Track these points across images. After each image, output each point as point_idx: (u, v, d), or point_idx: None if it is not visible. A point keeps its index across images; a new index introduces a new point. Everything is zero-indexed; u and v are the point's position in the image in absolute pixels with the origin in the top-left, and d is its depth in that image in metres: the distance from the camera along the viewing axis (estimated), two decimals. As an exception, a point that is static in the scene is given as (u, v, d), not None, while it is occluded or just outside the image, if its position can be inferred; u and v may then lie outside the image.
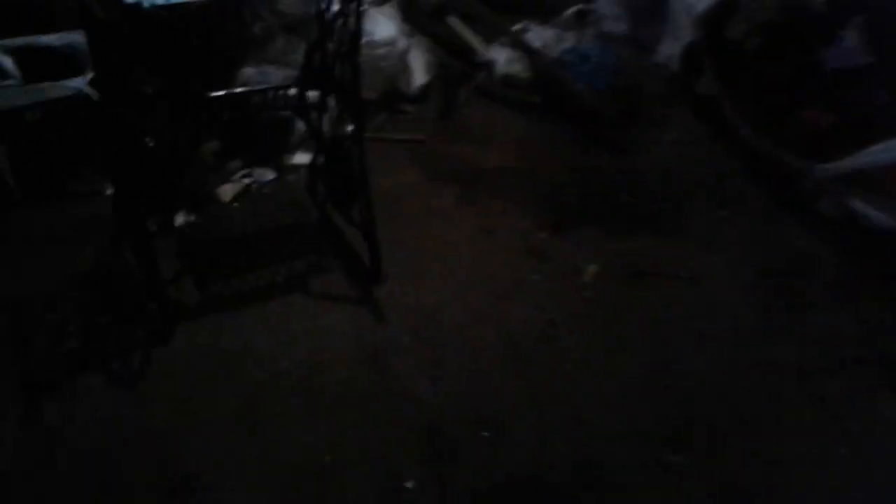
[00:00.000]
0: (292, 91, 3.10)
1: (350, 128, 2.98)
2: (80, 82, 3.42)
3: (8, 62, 3.46)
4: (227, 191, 3.66)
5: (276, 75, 3.97)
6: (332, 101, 3.18)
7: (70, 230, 3.40)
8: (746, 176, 3.98)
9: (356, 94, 2.89)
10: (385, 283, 3.21)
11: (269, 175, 3.83)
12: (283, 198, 3.69)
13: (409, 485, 2.41)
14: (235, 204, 3.64)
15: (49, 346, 2.86)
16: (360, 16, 2.74)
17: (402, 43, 4.41)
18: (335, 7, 2.84)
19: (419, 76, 4.60)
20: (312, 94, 3.15)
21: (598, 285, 3.29)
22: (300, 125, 3.98)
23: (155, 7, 3.03)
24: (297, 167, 3.90)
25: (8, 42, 3.52)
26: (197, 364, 2.81)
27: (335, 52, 2.90)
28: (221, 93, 2.94)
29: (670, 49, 4.71)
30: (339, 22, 2.80)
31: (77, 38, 3.40)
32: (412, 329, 2.99)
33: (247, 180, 3.76)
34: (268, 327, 2.96)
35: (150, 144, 2.85)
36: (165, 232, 3.17)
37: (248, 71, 3.94)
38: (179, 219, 3.47)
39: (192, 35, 3.76)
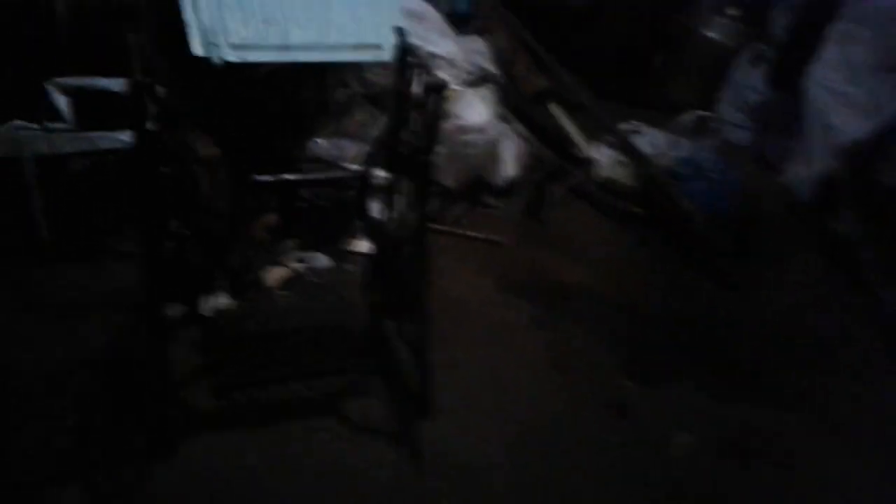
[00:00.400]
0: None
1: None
2: (133, 136, 3.09)
3: (62, 103, 3.16)
4: (274, 275, 3.23)
5: (350, 149, 3.58)
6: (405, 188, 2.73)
7: (98, 297, 3.01)
8: (889, 344, 3.29)
9: (426, 179, 2.43)
10: (431, 419, 2.68)
11: (325, 262, 3.39)
12: (335, 293, 3.24)
13: None
14: (281, 292, 3.20)
15: (38, 441, 2.42)
16: (441, 100, 2.29)
17: (494, 129, 3.96)
18: (416, 88, 2.41)
19: (509, 167, 4.13)
20: (382, 175, 2.71)
21: (690, 463, 2.67)
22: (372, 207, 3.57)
23: (226, 63, 2.67)
24: (358, 257, 3.46)
25: (68, 81, 3.23)
26: (190, 495, 2.33)
27: (413, 132, 2.45)
28: (292, 176, 2.54)
29: (801, 172, 4.11)
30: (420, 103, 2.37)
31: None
32: (453, 492, 2.44)
33: (298, 266, 3.33)
34: (282, 460, 2.46)
35: (193, 213, 2.46)
36: (193, 318, 2.74)
37: (322, 143, 3.56)
38: (213, 301, 3.05)
39: (266, 96, 3.42)
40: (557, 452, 2.64)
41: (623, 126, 4.29)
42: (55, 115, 3.15)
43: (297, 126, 3.55)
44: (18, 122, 3.04)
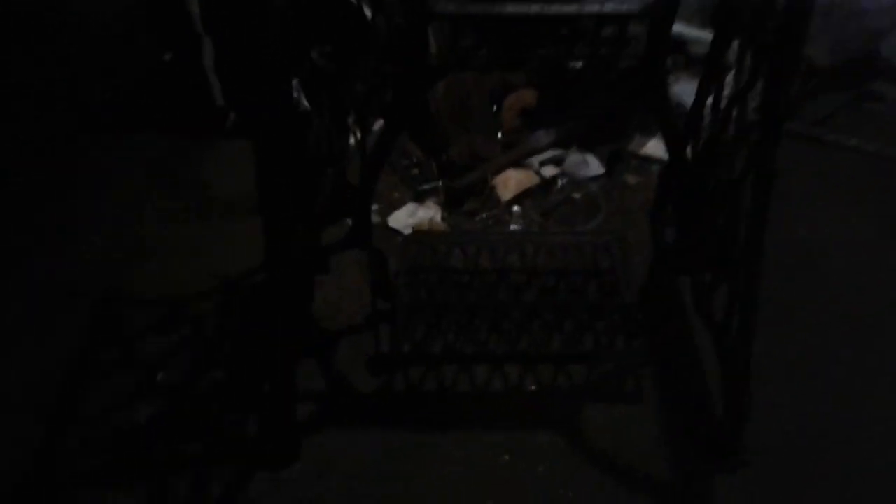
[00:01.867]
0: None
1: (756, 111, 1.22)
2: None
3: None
4: (513, 182, 2.10)
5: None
6: (730, 58, 1.40)
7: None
8: None
9: (786, 51, 1.09)
10: (742, 468, 1.42)
11: (593, 169, 2.16)
12: (599, 225, 2.02)
13: None
14: (515, 208, 2.07)
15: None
16: None
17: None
18: None
19: (930, 38, 2.46)
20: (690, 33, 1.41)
21: None
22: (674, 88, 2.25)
23: None
24: (648, 163, 2.19)
25: None
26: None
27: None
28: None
29: None
30: None
31: None
32: None
33: (550, 170, 2.16)
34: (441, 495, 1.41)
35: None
36: (358, 238, 1.70)
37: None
38: (409, 213, 2.03)
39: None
40: None
41: None
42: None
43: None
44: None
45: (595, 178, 2.14)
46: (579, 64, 1.45)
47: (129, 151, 2.34)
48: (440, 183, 2.10)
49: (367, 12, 1.44)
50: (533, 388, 1.60)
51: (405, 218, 2.02)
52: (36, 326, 1.80)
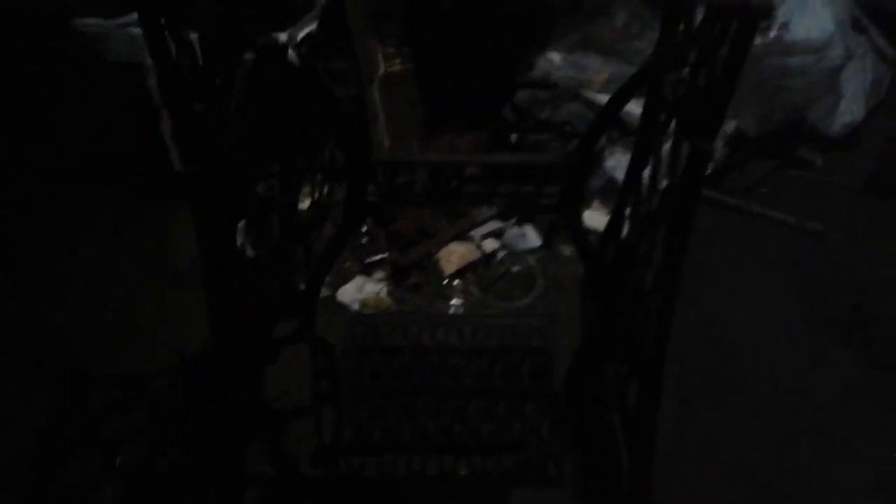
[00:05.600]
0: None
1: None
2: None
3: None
4: (452, 255, 2.23)
5: (597, 72, 2.38)
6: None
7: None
8: None
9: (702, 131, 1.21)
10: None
11: (531, 241, 2.30)
12: (536, 298, 2.16)
13: None
14: (456, 282, 2.20)
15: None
16: (750, 35, 1.03)
17: (838, 47, 2.46)
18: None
19: (853, 106, 2.62)
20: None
21: None
22: (611, 159, 2.39)
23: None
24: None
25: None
26: None
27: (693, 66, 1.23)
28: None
29: None
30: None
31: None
32: None
33: (491, 243, 2.29)
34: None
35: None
36: (303, 330, 1.82)
37: (557, 58, 2.38)
38: (355, 288, 2.15)
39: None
40: None
41: None
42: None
43: (524, 30, 2.41)
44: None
45: (533, 251, 2.28)
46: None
47: (90, 216, 2.43)
48: (387, 254, 2.23)
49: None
50: (464, 472, 1.75)
51: (353, 292, 2.14)
52: (6, 398, 1.91)
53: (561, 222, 1.59)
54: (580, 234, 1.56)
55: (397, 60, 2.22)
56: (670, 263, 1.33)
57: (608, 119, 1.36)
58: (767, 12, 0.97)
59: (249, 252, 1.41)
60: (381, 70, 2.21)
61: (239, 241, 1.38)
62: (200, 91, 1.14)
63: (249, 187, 1.45)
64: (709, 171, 2.45)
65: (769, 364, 1.99)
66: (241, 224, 1.41)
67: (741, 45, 1.00)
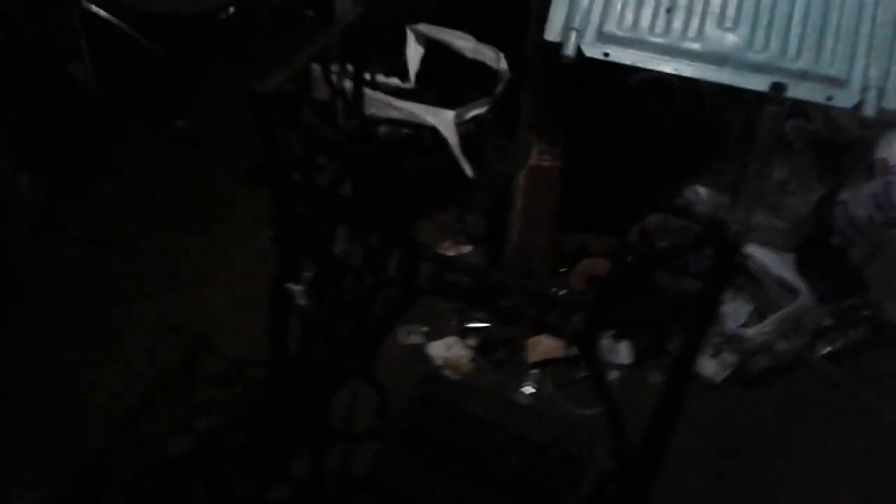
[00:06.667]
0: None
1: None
2: None
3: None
4: (539, 345, 2.35)
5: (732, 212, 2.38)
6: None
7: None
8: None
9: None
10: None
11: (621, 357, 2.36)
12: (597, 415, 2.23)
13: None
14: (534, 371, 2.33)
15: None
16: None
17: None
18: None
19: None
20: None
21: None
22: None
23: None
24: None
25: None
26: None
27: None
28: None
29: None
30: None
31: None
32: None
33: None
34: None
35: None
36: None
37: (703, 192, 2.42)
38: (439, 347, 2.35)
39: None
40: None
41: None
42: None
43: (681, 157, 2.47)
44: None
45: (619, 366, 2.34)
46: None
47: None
48: (486, 326, 2.41)
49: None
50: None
51: (442, 349, 2.35)
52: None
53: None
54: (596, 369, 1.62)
55: (548, 156, 2.39)
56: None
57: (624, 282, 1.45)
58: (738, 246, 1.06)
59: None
60: (533, 161, 2.40)
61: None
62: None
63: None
64: (837, 349, 2.38)
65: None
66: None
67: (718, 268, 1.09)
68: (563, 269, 2.58)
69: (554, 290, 2.23)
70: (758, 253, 2.35)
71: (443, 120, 2.40)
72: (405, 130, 2.48)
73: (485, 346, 2.36)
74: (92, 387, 2.21)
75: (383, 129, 2.57)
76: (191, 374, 2.27)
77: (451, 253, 2.73)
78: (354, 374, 1.85)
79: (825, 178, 2.32)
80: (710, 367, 2.32)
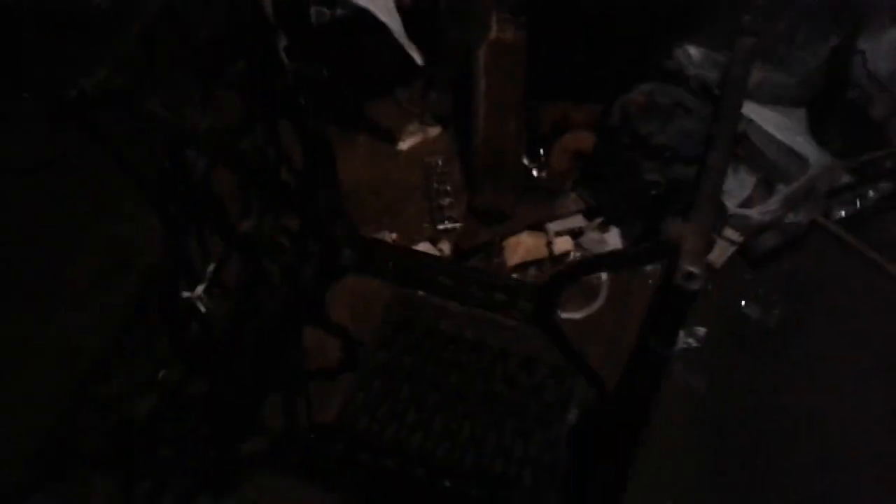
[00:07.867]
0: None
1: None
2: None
3: None
4: (519, 247, 2.13)
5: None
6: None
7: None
8: None
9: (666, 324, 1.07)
10: None
11: (611, 247, 2.15)
12: (590, 314, 2.05)
13: None
14: (514, 276, 2.13)
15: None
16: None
17: None
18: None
19: None
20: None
21: None
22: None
23: None
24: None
25: None
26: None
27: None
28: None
29: None
30: None
31: None
32: None
33: (564, 244, 2.15)
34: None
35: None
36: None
37: (695, 53, 2.06)
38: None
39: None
40: None
41: None
42: None
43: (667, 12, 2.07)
44: None
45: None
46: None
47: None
48: (457, 226, 2.19)
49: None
50: (447, 484, 1.79)
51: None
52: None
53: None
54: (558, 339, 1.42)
55: (511, 27, 2.03)
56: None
57: (571, 277, 1.22)
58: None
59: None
60: (493, 35, 2.04)
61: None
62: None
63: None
64: (853, 213, 2.14)
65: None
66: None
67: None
68: (541, 150, 2.30)
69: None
70: (762, 116, 2.04)
71: (379, 2, 2.01)
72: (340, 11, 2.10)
73: (458, 254, 2.15)
74: (44, 342, 2.08)
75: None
76: (144, 318, 2.12)
77: (417, 136, 2.44)
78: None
79: (840, 24, 1.94)
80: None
